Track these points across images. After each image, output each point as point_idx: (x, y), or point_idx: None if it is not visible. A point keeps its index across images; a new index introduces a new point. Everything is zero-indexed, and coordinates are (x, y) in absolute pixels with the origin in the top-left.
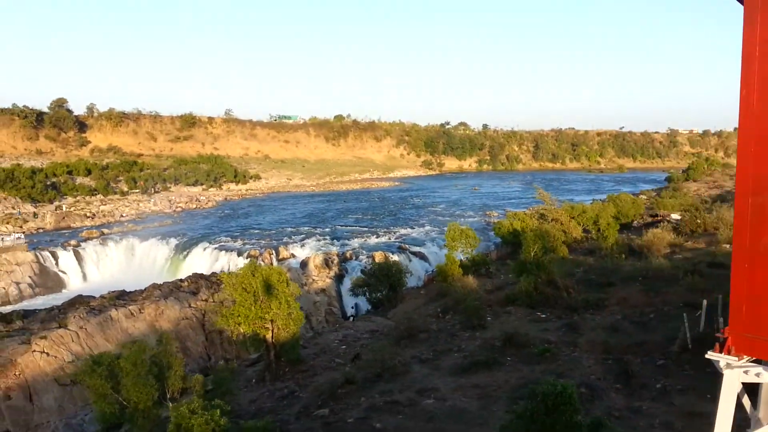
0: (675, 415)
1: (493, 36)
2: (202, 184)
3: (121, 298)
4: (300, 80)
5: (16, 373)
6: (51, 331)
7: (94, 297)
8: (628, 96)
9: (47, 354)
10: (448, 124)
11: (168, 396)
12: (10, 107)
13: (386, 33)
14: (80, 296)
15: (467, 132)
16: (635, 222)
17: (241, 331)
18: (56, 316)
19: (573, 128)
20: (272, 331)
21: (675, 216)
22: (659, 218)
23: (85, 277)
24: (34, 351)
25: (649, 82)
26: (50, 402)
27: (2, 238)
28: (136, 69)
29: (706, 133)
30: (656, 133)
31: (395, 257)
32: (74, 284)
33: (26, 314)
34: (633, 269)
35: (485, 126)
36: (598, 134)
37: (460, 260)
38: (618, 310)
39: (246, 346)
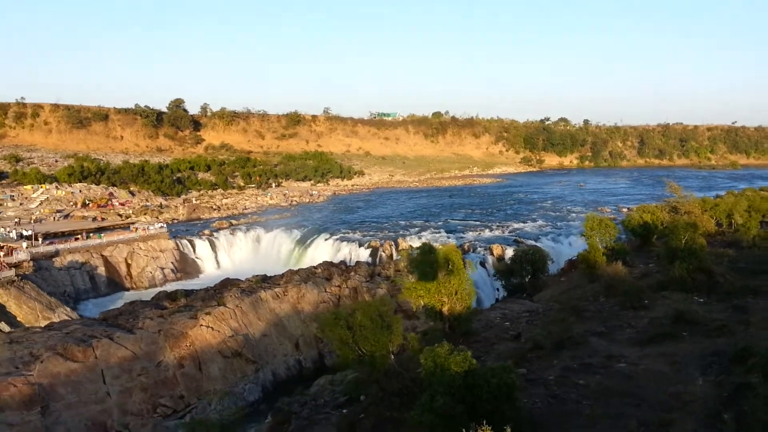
0: None
1: (592, 28)
2: (310, 180)
3: (265, 281)
4: (398, 78)
5: (188, 345)
6: (213, 308)
7: (240, 280)
8: (740, 89)
9: (212, 328)
10: (547, 119)
11: (390, 350)
12: (133, 107)
13: (481, 29)
14: (229, 279)
15: (568, 128)
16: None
17: (422, 303)
18: (213, 295)
19: (681, 123)
20: (448, 304)
21: None
22: None
23: (218, 264)
24: (201, 325)
25: (763, 73)
26: (215, 371)
27: (148, 227)
28: (242, 69)
29: None
30: None
31: (511, 249)
32: (209, 270)
33: (186, 293)
34: None
35: (586, 121)
36: (709, 129)
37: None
38: None
39: (425, 317)
